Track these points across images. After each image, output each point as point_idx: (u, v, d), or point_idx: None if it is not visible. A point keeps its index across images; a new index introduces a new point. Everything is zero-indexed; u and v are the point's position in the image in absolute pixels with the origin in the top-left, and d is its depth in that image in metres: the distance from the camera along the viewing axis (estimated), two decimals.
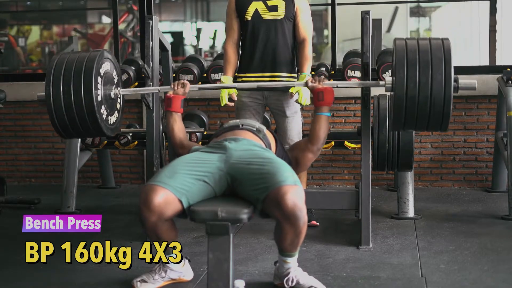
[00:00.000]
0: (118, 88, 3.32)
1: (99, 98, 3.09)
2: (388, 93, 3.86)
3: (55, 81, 3.06)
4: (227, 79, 3.81)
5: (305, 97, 3.68)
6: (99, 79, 3.11)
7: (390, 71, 4.50)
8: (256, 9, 3.77)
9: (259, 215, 2.72)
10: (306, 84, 3.23)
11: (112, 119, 3.25)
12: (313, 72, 4.97)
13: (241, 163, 2.77)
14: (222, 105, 3.80)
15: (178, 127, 3.18)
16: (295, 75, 3.84)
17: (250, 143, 2.92)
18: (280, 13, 3.75)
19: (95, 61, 3.08)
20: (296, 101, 3.74)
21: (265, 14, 3.76)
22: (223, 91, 3.77)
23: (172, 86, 3.22)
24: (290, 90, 3.69)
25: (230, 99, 3.80)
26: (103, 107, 3.13)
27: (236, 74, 3.91)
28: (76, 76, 3.05)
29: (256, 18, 3.77)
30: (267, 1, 3.77)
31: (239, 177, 2.75)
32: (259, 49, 3.78)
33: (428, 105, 2.84)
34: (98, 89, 3.09)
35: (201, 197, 2.74)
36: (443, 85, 2.82)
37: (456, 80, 2.88)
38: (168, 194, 2.66)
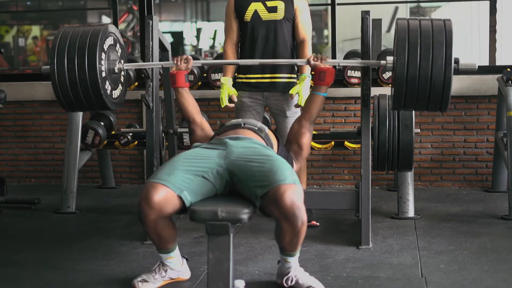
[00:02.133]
0: (122, 61, 3.33)
1: (103, 74, 3.11)
2: (388, 94, 3.86)
3: (59, 56, 3.08)
4: (226, 80, 3.81)
5: (305, 98, 3.68)
6: (103, 55, 3.13)
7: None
8: (256, 10, 3.77)
9: (259, 210, 2.72)
10: (308, 62, 3.26)
11: (116, 93, 3.28)
12: (312, 72, 4.96)
13: (241, 160, 2.78)
14: (223, 106, 3.80)
15: (187, 102, 3.21)
16: (295, 75, 3.84)
17: (252, 141, 2.93)
18: (280, 14, 3.75)
19: (99, 37, 3.09)
20: (296, 105, 3.73)
21: (265, 15, 3.76)
22: (223, 93, 3.77)
23: (175, 61, 3.23)
24: (290, 92, 3.69)
25: (230, 100, 3.80)
26: (107, 82, 3.15)
27: (236, 74, 3.91)
28: (80, 51, 3.07)
29: (256, 19, 3.77)
30: (266, 2, 3.77)
31: (238, 173, 2.75)
32: (258, 50, 3.78)
33: (428, 85, 2.87)
34: (102, 64, 3.10)
35: (201, 193, 2.74)
36: (444, 65, 2.84)
37: (456, 62, 2.90)
38: (168, 191, 2.66)
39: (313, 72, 3.28)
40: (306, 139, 3.19)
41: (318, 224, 3.93)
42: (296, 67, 3.88)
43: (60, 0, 12.22)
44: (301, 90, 3.67)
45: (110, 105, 3.19)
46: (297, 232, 2.64)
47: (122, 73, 3.37)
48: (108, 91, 3.16)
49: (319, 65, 3.20)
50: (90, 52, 3.06)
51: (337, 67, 3.26)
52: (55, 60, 3.08)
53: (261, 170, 2.70)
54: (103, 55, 3.12)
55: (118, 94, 3.31)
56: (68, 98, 3.13)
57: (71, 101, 3.15)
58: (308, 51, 3.79)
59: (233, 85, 3.83)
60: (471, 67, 3.02)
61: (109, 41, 3.20)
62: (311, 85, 3.60)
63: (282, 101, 3.82)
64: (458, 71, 2.94)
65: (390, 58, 3.12)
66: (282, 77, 3.79)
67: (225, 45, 3.91)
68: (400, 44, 2.90)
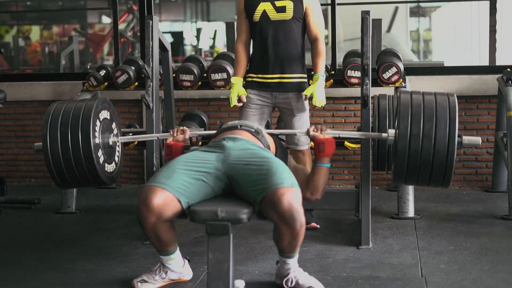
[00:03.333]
0: (117, 137, 3.32)
1: (97, 141, 3.07)
2: (388, 94, 3.87)
3: (52, 130, 3.04)
4: (237, 80, 3.79)
5: (320, 98, 3.62)
6: (98, 123, 3.10)
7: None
8: (264, 10, 3.74)
9: (256, 216, 2.72)
10: (307, 133, 3.13)
11: (110, 168, 3.22)
12: (312, 72, 4.96)
13: (239, 163, 2.77)
14: (232, 106, 3.78)
15: None
16: (305, 75, 3.80)
17: (248, 143, 2.92)
18: (288, 14, 3.72)
19: (94, 107, 3.07)
20: (311, 103, 3.67)
21: (273, 15, 3.73)
22: (233, 92, 3.76)
23: (171, 133, 3.18)
24: (304, 93, 3.65)
25: (239, 100, 3.78)
26: (100, 152, 3.10)
27: (247, 74, 3.89)
28: (74, 119, 3.03)
29: (264, 19, 3.74)
30: (275, 2, 3.73)
31: (237, 177, 2.75)
32: (267, 50, 3.75)
33: (431, 161, 2.82)
34: (96, 131, 3.07)
35: (200, 196, 2.74)
36: (447, 141, 2.80)
37: (460, 136, 2.86)
38: (167, 195, 2.66)
39: (313, 143, 3.18)
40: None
41: (318, 226, 3.91)
42: (305, 67, 3.85)
43: (60, 0, 12.22)
44: (315, 91, 3.62)
45: (102, 176, 3.10)
46: (296, 234, 2.63)
47: (117, 148, 3.33)
48: (101, 161, 3.10)
49: (318, 136, 3.06)
50: (83, 125, 3.01)
51: (337, 138, 3.16)
52: (48, 134, 3.03)
53: (259, 174, 2.70)
54: (98, 123, 3.10)
55: (112, 170, 3.25)
56: (61, 171, 3.05)
57: (64, 175, 3.07)
58: (322, 48, 3.75)
59: (243, 85, 3.82)
60: (475, 142, 2.96)
61: (104, 114, 3.18)
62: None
63: (290, 99, 3.78)
64: (461, 146, 2.89)
65: (391, 132, 3.06)
66: (292, 77, 3.76)
67: (236, 44, 3.89)
68: (402, 118, 2.86)
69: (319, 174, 3.02)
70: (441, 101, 2.89)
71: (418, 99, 2.91)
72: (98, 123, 3.10)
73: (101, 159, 3.11)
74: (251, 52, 3.90)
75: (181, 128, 3.19)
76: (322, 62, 3.74)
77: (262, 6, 3.74)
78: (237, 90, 3.75)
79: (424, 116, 2.84)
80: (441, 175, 2.86)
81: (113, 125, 3.30)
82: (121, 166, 3.39)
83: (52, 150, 3.02)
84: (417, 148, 2.82)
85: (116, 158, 3.32)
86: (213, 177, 2.77)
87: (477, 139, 2.97)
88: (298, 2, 3.72)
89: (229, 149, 2.84)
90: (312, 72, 3.76)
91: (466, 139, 2.92)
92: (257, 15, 3.75)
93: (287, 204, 2.56)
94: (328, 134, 3.08)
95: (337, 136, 3.17)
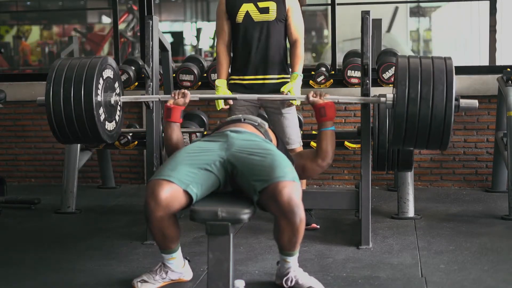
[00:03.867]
0: (119, 96, 3.34)
1: (99, 99, 3.11)
2: (388, 94, 3.86)
3: (56, 82, 3.07)
4: (221, 82, 3.80)
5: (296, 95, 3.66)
6: (101, 81, 3.13)
7: (390, 70, 4.51)
8: (247, 11, 3.73)
9: (256, 205, 2.72)
10: (307, 99, 3.20)
11: (110, 126, 3.25)
12: (313, 72, 4.97)
13: (242, 153, 2.79)
14: (218, 109, 3.80)
15: (177, 137, 3.15)
16: (287, 76, 3.81)
17: (252, 135, 2.95)
18: (272, 15, 3.72)
19: (98, 64, 3.11)
20: (288, 103, 3.71)
21: (256, 16, 3.73)
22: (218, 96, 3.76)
23: (173, 95, 3.21)
24: (281, 90, 3.67)
25: (226, 103, 3.79)
26: (101, 109, 3.13)
27: (230, 76, 3.89)
28: (78, 76, 3.07)
29: (248, 21, 3.73)
30: (257, 3, 3.73)
31: (239, 166, 2.77)
32: (251, 52, 3.75)
33: (429, 123, 2.84)
34: (99, 89, 3.10)
35: (206, 186, 2.76)
36: (444, 104, 2.82)
37: (457, 99, 2.88)
38: (174, 187, 2.67)
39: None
40: (314, 173, 3.17)
41: (318, 226, 3.91)
42: (288, 67, 3.86)
43: (60, 0, 12.22)
44: (292, 88, 3.64)
45: (102, 133, 3.13)
46: (295, 230, 2.64)
47: (119, 107, 3.35)
48: (102, 118, 3.13)
49: (318, 101, 3.13)
50: (87, 81, 3.05)
51: (336, 103, 3.21)
52: (51, 89, 3.06)
53: (262, 165, 2.71)
54: (101, 81, 3.12)
55: (112, 128, 3.28)
56: (62, 126, 3.09)
57: (65, 132, 3.11)
58: (301, 50, 3.77)
59: (227, 87, 3.82)
60: (472, 105, 3.00)
61: (108, 73, 3.21)
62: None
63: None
64: (459, 108, 2.91)
65: (390, 96, 3.10)
66: (275, 78, 3.78)
67: (217, 46, 3.88)
68: (400, 81, 2.88)
69: (326, 138, 3.10)
70: (438, 64, 2.91)
71: (415, 63, 2.93)
72: (101, 80, 3.14)
73: (102, 117, 3.15)
74: (232, 54, 3.89)
75: (182, 91, 3.22)
76: (301, 64, 3.76)
77: (245, 7, 3.73)
78: (222, 92, 3.75)
79: (422, 79, 2.86)
80: (439, 137, 2.89)
81: (116, 85, 3.33)
82: (121, 126, 3.42)
83: (54, 104, 3.05)
84: (415, 111, 2.85)
85: (117, 117, 3.35)
86: (218, 165, 2.79)
87: (474, 102, 3.00)
88: (280, 2, 3.73)
89: (232, 138, 2.87)
90: (290, 71, 3.77)
91: (463, 102, 2.95)
92: (240, 16, 3.74)
93: (287, 198, 2.57)
94: (327, 99, 3.16)
95: (336, 101, 3.24)
